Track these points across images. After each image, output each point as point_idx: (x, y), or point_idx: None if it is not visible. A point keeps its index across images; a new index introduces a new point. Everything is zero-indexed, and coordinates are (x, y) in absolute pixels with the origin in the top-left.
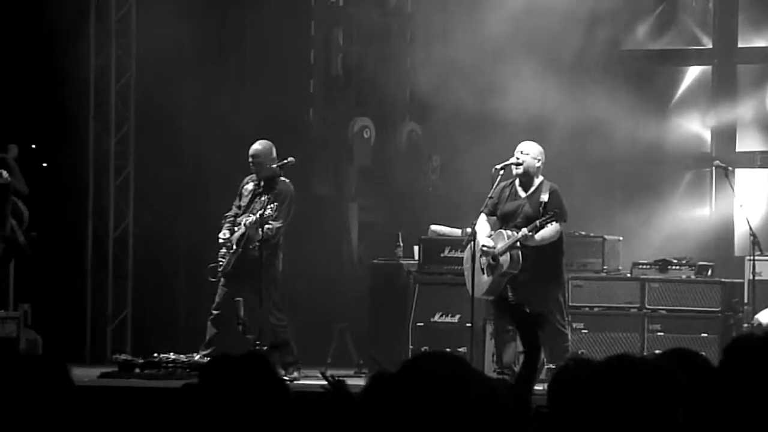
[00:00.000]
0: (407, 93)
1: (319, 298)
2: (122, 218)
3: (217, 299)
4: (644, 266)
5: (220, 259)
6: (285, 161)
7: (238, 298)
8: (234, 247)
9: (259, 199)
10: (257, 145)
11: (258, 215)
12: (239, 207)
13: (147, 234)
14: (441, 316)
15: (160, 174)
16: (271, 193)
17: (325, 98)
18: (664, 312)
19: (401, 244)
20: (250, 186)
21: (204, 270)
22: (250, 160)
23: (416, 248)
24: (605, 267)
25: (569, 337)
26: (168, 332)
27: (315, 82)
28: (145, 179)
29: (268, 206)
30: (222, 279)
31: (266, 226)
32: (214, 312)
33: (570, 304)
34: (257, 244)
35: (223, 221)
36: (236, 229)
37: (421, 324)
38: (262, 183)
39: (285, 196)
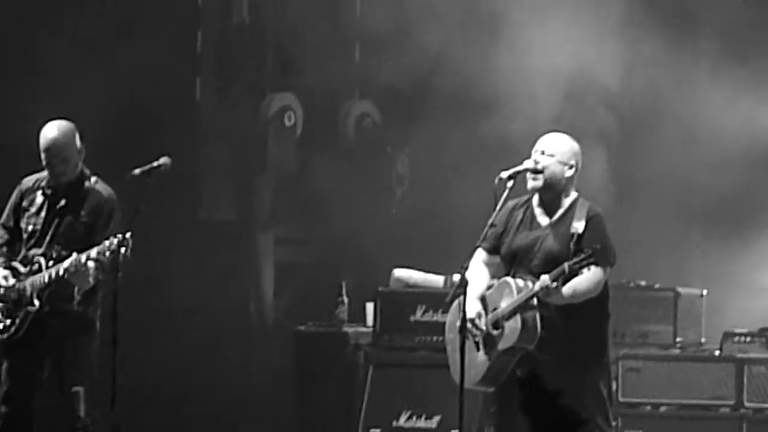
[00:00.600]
0: (356, 53)
1: (210, 388)
2: None
3: (3, 387)
4: (743, 339)
5: None
6: (155, 164)
7: (76, 388)
8: (36, 303)
9: (63, 218)
10: (54, 132)
11: (98, 250)
12: (14, 230)
13: None
14: (410, 417)
15: None
16: (85, 207)
17: (221, 61)
18: None
19: (345, 299)
20: (38, 196)
21: None
22: (45, 156)
23: (370, 307)
24: (679, 339)
25: None
26: None
27: (204, 34)
28: None
29: (118, 236)
30: (7, 353)
31: (91, 265)
32: (2, 409)
33: (620, 399)
34: (78, 298)
35: None
36: (20, 268)
37: (377, 430)
38: (61, 191)
39: (112, 207)
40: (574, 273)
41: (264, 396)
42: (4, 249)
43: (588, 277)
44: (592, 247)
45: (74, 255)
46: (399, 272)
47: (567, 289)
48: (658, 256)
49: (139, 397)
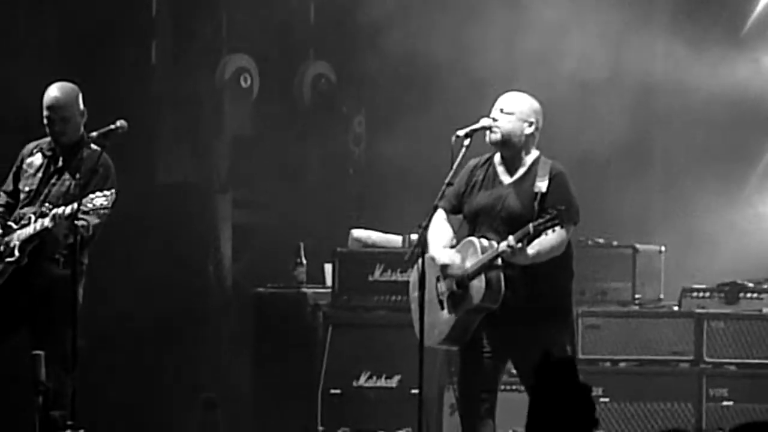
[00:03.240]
0: (311, 11)
1: (168, 351)
2: None
3: None
4: (701, 294)
5: None
6: (111, 127)
7: (37, 352)
8: (16, 254)
9: (59, 178)
10: (56, 92)
11: (75, 205)
12: (13, 192)
13: None
14: (370, 377)
15: None
16: (82, 169)
17: (176, 22)
18: (732, 368)
19: (304, 260)
20: (38, 158)
21: None
22: (47, 113)
23: (328, 268)
24: (638, 296)
25: None
26: None
27: None
28: None
29: (97, 192)
30: None
31: (78, 222)
32: None
33: (580, 356)
34: (63, 252)
35: None
36: (13, 225)
37: (337, 391)
38: (60, 153)
39: (109, 174)
40: (539, 233)
41: (223, 358)
42: (1, 210)
43: (552, 237)
44: (557, 208)
45: (58, 209)
46: (357, 233)
47: (531, 249)
48: (619, 212)
49: (98, 362)
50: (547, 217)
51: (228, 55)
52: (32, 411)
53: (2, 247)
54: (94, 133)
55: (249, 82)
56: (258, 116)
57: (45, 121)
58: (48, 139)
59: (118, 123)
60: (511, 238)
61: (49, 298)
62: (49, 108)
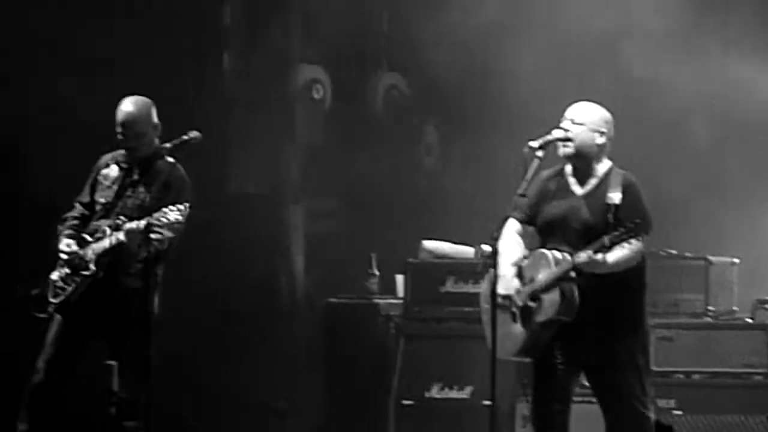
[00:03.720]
0: (383, 22)
1: (236, 361)
2: None
3: (47, 351)
4: None
5: (58, 283)
6: (185, 138)
7: (110, 362)
8: (92, 268)
9: (134, 191)
10: (129, 106)
11: (147, 219)
12: (89, 205)
13: None
14: (442, 388)
15: None
16: (156, 182)
17: (250, 31)
18: None
19: (376, 272)
20: (114, 170)
21: (29, 302)
22: (120, 130)
23: (400, 279)
24: (711, 308)
25: (653, 421)
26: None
27: (232, 5)
28: None
29: (171, 207)
30: (57, 316)
31: (153, 236)
32: (39, 375)
33: (653, 368)
34: (138, 264)
35: (60, 227)
36: (88, 238)
37: (409, 402)
38: (135, 166)
39: (184, 187)
40: (614, 244)
41: (295, 370)
42: (76, 222)
43: (629, 248)
44: (634, 221)
45: (131, 223)
46: (428, 244)
47: (611, 258)
48: (692, 221)
49: (170, 372)
50: (623, 230)
51: (300, 65)
52: (106, 422)
53: (77, 260)
54: (168, 144)
55: (321, 93)
56: (330, 126)
57: (120, 136)
58: (123, 151)
59: (192, 134)
60: (588, 251)
61: (124, 310)
62: (122, 125)
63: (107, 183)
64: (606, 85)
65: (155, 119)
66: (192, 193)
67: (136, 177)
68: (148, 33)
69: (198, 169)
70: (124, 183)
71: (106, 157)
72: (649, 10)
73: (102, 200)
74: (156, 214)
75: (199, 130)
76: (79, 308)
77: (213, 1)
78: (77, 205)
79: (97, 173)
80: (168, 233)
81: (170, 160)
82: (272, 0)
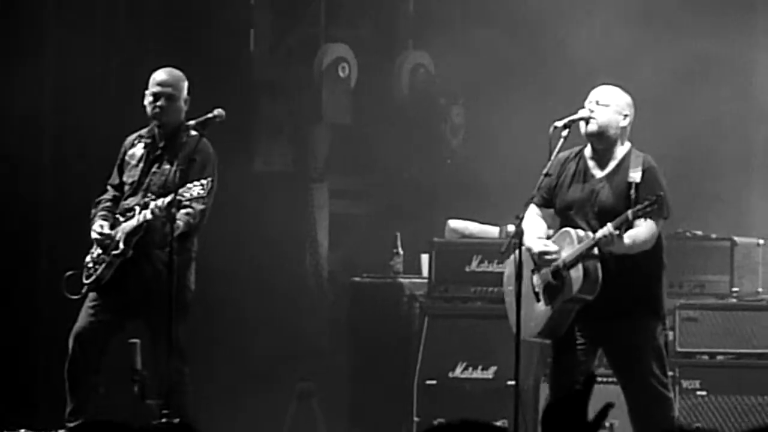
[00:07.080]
0: (410, 1)
1: (266, 340)
2: None
3: (77, 328)
4: None
5: (89, 264)
6: (209, 115)
7: (133, 340)
8: (121, 247)
9: (160, 167)
10: (165, 73)
11: (172, 196)
12: (119, 186)
13: None
14: (466, 368)
15: None
16: (182, 156)
17: (275, 12)
18: None
19: (401, 251)
20: (139, 148)
21: (64, 284)
22: (155, 89)
23: (425, 258)
24: (736, 289)
25: (674, 403)
26: (19, 398)
27: None
28: None
29: (194, 182)
30: (91, 296)
31: (183, 211)
32: (71, 354)
33: (678, 349)
34: (168, 244)
35: (94, 209)
36: (120, 219)
37: (433, 381)
38: (159, 138)
39: (208, 161)
40: (636, 218)
41: (319, 348)
42: (109, 204)
43: (644, 229)
44: (657, 194)
45: (157, 200)
46: (454, 223)
47: (627, 238)
48: (714, 204)
49: (197, 347)
50: (647, 203)
51: (326, 45)
52: (129, 400)
53: (109, 241)
54: (192, 122)
55: (347, 71)
56: (356, 106)
57: (150, 98)
58: (147, 128)
59: (216, 111)
60: (609, 225)
61: (158, 287)
62: (159, 84)
63: (134, 162)
64: (644, 67)
65: (186, 93)
66: (216, 167)
67: (159, 151)
68: (176, 14)
69: (223, 148)
70: (149, 159)
71: (131, 137)
72: None
73: (130, 180)
74: (180, 190)
75: (225, 110)
76: (113, 287)
77: None
78: (109, 188)
79: (124, 154)
80: (199, 205)
81: (194, 133)
82: None
